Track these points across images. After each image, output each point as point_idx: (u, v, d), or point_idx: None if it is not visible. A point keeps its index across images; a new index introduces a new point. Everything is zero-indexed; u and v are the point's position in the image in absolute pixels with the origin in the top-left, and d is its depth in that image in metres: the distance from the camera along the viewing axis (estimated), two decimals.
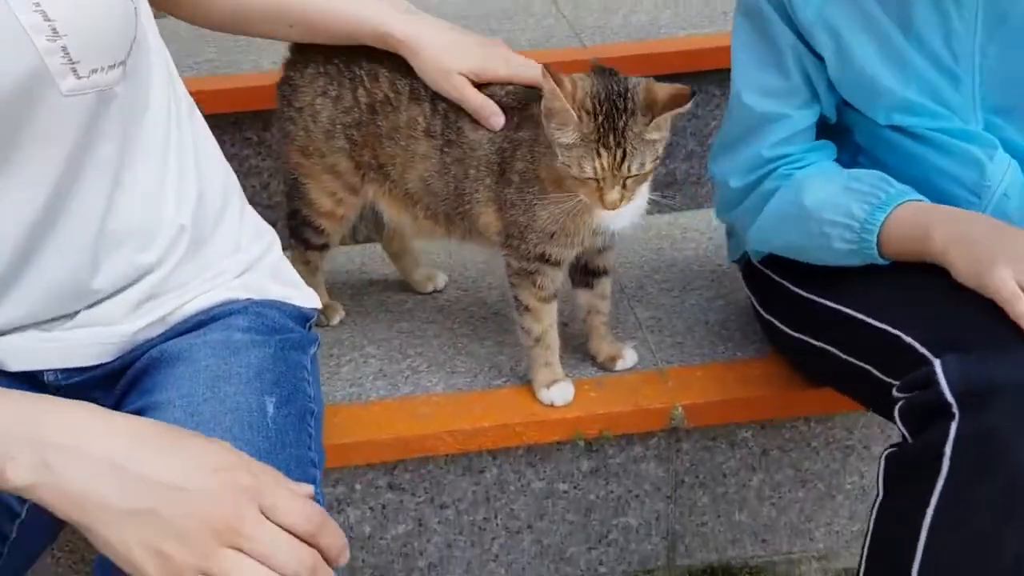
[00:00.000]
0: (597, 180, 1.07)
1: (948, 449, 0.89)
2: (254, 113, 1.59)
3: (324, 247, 1.38)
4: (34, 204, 0.85)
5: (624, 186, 1.07)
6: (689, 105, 1.07)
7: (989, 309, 0.95)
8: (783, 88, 1.15)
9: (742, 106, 1.17)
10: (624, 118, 1.05)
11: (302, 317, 1.09)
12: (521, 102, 1.19)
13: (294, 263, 1.16)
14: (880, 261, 1.08)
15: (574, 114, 1.06)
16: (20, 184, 0.84)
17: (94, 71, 0.83)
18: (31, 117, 0.81)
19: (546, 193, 1.15)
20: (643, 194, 1.18)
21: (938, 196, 1.09)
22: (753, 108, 1.16)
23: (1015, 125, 1.11)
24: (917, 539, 0.91)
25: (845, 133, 1.20)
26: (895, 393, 0.98)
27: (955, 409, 0.90)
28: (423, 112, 1.22)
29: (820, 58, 1.14)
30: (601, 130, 1.05)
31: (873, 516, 0.98)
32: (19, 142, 0.82)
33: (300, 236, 1.36)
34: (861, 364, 1.07)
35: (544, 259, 1.21)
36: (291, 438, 0.92)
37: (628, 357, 1.35)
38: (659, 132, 1.07)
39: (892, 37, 1.10)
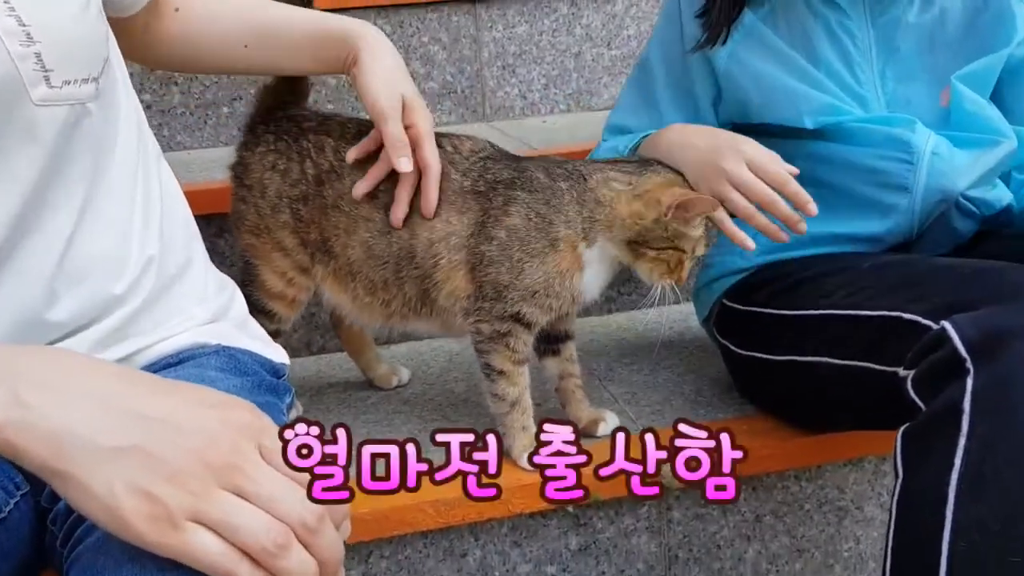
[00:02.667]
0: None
1: (967, 405, 0.87)
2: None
3: (275, 334, 1.31)
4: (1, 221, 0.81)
5: None
6: None
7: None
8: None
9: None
10: None
11: (274, 370, 1.03)
12: (513, 165, 1.20)
13: None
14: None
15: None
16: None
17: (67, 82, 0.81)
18: (2, 127, 0.78)
19: (545, 253, 1.15)
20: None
21: (876, 174, 1.20)
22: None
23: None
24: (944, 506, 0.86)
25: None
26: (902, 372, 0.96)
27: (969, 364, 0.88)
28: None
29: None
30: None
31: (895, 503, 0.93)
32: None
33: None
34: (857, 364, 1.06)
35: (518, 319, 1.18)
36: None
37: (610, 420, 1.29)
38: None
39: (803, 66, 1.23)
